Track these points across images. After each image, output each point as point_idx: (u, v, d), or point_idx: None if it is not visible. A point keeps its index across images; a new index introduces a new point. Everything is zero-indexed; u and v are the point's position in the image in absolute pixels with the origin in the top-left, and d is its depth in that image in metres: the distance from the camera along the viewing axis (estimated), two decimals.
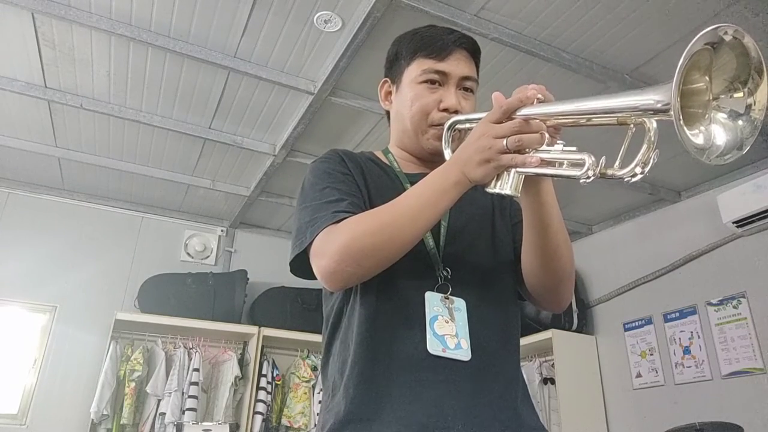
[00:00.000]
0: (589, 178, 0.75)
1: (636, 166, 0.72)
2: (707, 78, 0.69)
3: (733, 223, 3.02)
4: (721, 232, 3.18)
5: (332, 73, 2.56)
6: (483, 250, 1.04)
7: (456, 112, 1.03)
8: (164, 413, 3.41)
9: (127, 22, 2.39)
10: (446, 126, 1.01)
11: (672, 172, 3.27)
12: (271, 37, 2.48)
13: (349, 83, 2.72)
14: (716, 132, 0.69)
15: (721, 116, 0.70)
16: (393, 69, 1.13)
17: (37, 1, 2.27)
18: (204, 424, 3.44)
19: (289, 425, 3.76)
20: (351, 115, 2.99)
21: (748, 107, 0.69)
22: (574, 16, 2.28)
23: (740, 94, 0.70)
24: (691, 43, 0.64)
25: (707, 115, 0.70)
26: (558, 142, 0.81)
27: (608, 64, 2.52)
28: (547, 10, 2.25)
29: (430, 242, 0.99)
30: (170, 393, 3.46)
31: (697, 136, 0.69)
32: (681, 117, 0.65)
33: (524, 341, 3.72)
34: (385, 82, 1.16)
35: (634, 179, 0.73)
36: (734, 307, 3.08)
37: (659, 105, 0.67)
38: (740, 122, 0.70)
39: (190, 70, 2.71)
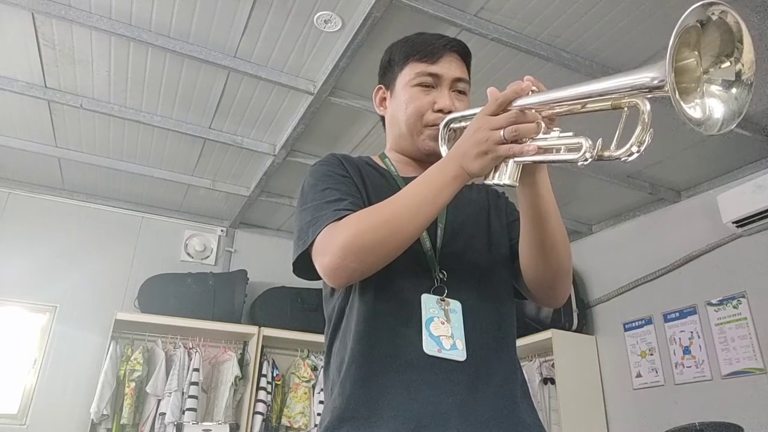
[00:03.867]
0: (586, 160, 0.76)
1: (632, 146, 0.74)
2: (696, 53, 0.71)
3: (733, 223, 3.01)
4: (721, 232, 3.17)
5: (332, 73, 2.56)
6: (479, 249, 1.05)
7: (450, 113, 1.04)
8: (164, 413, 3.41)
9: (127, 22, 2.40)
10: (442, 124, 1.02)
11: (672, 172, 3.27)
12: (271, 37, 2.48)
13: (348, 83, 2.72)
14: (713, 105, 0.72)
15: (715, 88, 0.72)
16: (386, 75, 1.15)
17: (37, 1, 2.27)
18: (204, 424, 3.45)
19: (289, 425, 3.76)
20: (351, 116, 2.99)
21: (738, 73, 0.72)
22: (574, 16, 2.28)
23: (728, 64, 0.72)
24: (682, 18, 0.67)
25: (700, 89, 0.72)
26: (554, 129, 0.82)
27: (608, 63, 2.52)
28: (546, 10, 2.25)
29: (427, 243, 1.00)
30: (170, 393, 3.46)
31: (693, 109, 0.70)
32: (677, 91, 0.67)
33: (524, 341, 3.72)
34: (380, 88, 1.17)
35: (630, 158, 0.74)
36: (734, 307, 3.08)
37: (655, 81, 0.69)
38: (734, 90, 0.72)
39: (190, 70, 2.71)
